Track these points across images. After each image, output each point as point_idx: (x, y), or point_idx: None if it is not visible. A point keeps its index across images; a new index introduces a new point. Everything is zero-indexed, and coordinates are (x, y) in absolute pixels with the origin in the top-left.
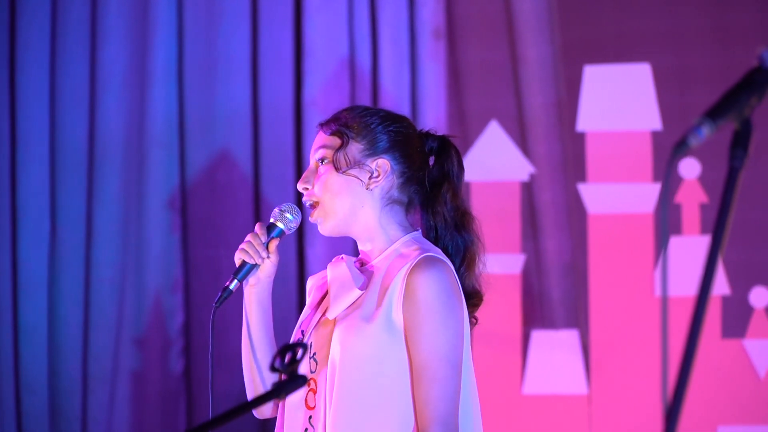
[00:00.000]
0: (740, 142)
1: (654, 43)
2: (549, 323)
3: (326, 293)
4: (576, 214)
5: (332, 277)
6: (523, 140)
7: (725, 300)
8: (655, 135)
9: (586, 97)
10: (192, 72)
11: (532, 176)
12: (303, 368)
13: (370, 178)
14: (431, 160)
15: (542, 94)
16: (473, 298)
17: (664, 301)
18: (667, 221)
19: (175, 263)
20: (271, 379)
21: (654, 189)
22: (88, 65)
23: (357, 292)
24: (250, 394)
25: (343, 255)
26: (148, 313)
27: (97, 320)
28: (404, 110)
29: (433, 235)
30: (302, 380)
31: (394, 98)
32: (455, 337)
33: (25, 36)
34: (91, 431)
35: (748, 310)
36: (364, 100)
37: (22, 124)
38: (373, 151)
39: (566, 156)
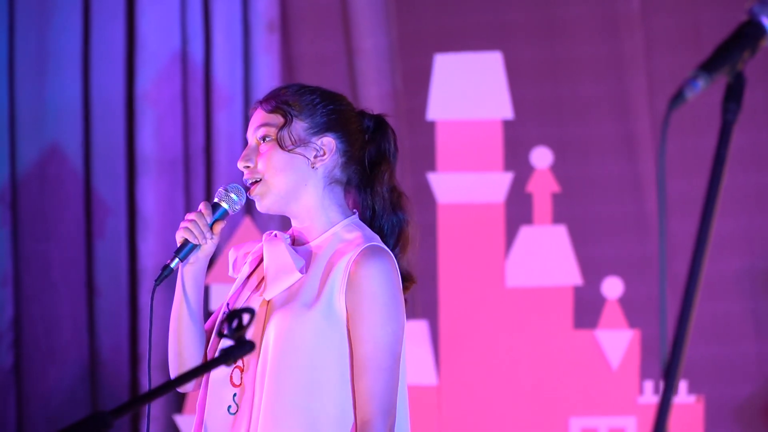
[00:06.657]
0: (733, 96)
1: (486, 36)
2: None
3: (255, 269)
4: (419, 205)
5: (269, 255)
6: None
7: (577, 290)
8: (507, 124)
9: (437, 86)
10: (23, 65)
11: None
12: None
13: (315, 156)
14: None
15: (378, 85)
16: (406, 280)
17: (662, 256)
18: (664, 185)
19: (5, 257)
20: (198, 356)
21: (505, 178)
22: None
23: (297, 275)
24: (175, 371)
25: (276, 232)
26: None
27: None
28: (237, 103)
29: (369, 215)
30: (250, 346)
31: (227, 91)
32: (398, 328)
33: None
34: None
35: (600, 301)
36: (197, 93)
37: None
38: (317, 129)
39: (402, 146)
